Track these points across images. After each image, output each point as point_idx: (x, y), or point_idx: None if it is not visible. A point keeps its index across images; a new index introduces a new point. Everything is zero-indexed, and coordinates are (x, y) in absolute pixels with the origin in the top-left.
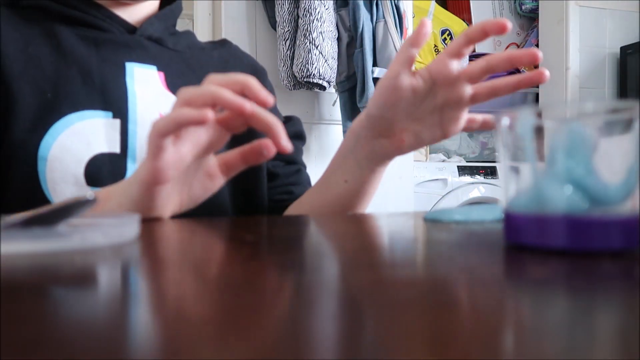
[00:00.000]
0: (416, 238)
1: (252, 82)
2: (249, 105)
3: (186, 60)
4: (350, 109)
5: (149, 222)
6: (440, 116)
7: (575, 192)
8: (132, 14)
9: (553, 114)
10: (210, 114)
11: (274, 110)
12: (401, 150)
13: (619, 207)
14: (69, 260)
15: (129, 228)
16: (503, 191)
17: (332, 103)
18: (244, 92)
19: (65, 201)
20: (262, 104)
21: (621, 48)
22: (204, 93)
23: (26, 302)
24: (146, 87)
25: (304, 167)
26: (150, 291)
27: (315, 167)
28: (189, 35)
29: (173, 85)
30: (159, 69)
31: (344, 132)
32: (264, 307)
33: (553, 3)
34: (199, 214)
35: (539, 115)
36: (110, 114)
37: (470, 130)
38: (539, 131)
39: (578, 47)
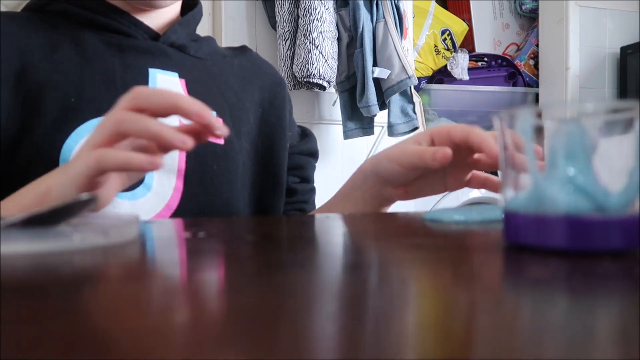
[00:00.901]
0: (416, 238)
1: (182, 103)
2: (189, 142)
3: (207, 68)
4: (350, 109)
5: (149, 223)
6: (443, 173)
7: (575, 192)
8: (155, 20)
9: (553, 114)
10: (161, 162)
11: (290, 121)
12: (405, 198)
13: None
14: (68, 260)
15: (129, 228)
16: (503, 191)
17: (332, 103)
18: (175, 112)
19: (65, 201)
20: (208, 129)
21: (621, 48)
22: (141, 128)
23: (26, 302)
24: None
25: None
26: (149, 291)
27: (316, 168)
28: (210, 41)
29: (194, 92)
30: (181, 76)
31: (344, 132)
32: (265, 307)
33: (553, 3)
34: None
35: (539, 115)
36: None
37: (473, 187)
38: (539, 131)
39: (578, 47)
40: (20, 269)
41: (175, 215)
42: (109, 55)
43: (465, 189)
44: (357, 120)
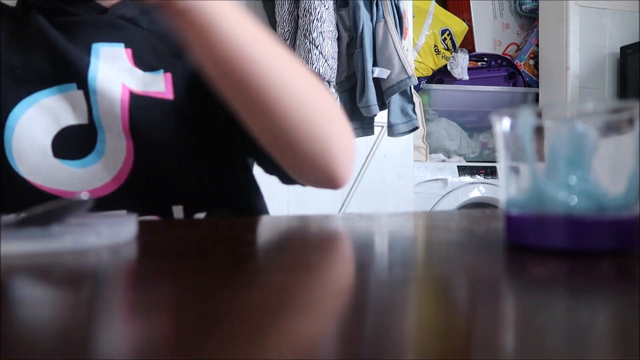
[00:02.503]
0: (416, 238)
1: None
2: None
3: (162, 37)
4: (351, 109)
5: (148, 223)
6: None
7: (575, 192)
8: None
9: (553, 114)
10: None
11: None
12: None
13: (620, 209)
14: (53, 263)
15: (125, 228)
16: (503, 191)
17: None
18: None
19: (60, 202)
20: None
21: (621, 48)
22: None
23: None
24: (111, 63)
25: None
26: (146, 292)
27: None
28: None
29: (140, 60)
30: (127, 46)
31: None
32: (264, 307)
33: (553, 3)
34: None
35: (539, 115)
36: (74, 85)
37: None
38: (539, 131)
39: (578, 47)
40: (8, 270)
41: (130, 176)
42: (55, 34)
43: (466, 189)
44: (357, 120)
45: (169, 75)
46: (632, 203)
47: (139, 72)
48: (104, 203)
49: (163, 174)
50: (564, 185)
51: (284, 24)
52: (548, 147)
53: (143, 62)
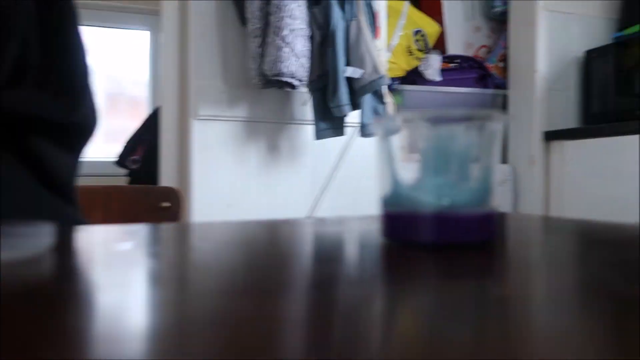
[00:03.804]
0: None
1: None
2: None
3: None
4: (323, 109)
5: (79, 230)
6: None
7: (438, 192)
8: None
9: (419, 120)
10: None
11: None
12: None
13: (478, 205)
14: None
15: (38, 239)
16: (380, 191)
17: (303, 103)
18: None
19: None
20: None
21: (586, 52)
22: None
23: None
24: None
25: None
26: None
27: (286, 168)
28: None
29: None
30: None
31: (316, 132)
32: (262, 307)
33: (522, 7)
34: None
35: (409, 120)
36: None
37: None
38: (412, 136)
39: (546, 50)
40: None
41: None
42: None
43: None
44: (329, 120)
45: None
46: (486, 201)
47: None
48: None
49: None
50: (429, 186)
51: (255, 20)
52: (418, 151)
53: None
